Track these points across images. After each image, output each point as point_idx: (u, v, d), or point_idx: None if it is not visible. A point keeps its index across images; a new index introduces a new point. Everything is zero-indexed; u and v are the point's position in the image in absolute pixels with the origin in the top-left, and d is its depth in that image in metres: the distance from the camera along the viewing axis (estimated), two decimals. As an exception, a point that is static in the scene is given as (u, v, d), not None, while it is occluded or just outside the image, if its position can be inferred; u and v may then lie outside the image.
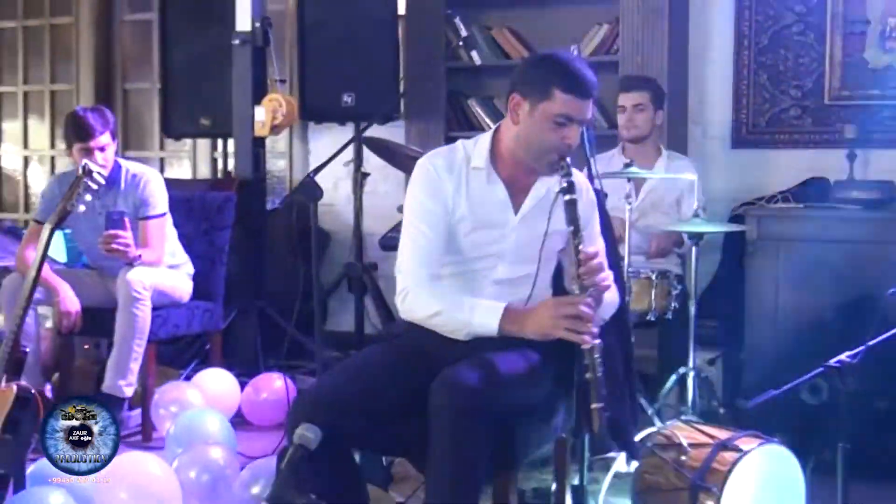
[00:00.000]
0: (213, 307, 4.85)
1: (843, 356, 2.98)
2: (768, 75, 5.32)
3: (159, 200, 4.56)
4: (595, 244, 2.87)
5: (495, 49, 5.75)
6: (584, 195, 2.87)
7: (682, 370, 4.10)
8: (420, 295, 2.77)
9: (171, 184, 4.76)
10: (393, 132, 5.44)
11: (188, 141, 6.65)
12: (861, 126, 5.02)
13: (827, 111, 5.20)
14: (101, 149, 4.41)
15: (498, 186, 2.84)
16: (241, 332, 5.15)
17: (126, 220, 4.30)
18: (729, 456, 3.12)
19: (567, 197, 2.66)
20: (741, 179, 5.38)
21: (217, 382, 4.68)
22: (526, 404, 2.73)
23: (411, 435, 2.65)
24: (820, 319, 4.44)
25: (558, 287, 3.00)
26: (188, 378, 4.80)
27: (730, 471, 3.07)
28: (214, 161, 6.67)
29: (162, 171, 6.83)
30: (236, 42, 5.02)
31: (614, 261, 3.13)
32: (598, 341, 2.60)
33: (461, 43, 5.21)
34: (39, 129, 7.31)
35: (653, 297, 4.09)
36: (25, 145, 7.39)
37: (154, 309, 4.44)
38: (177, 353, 5.11)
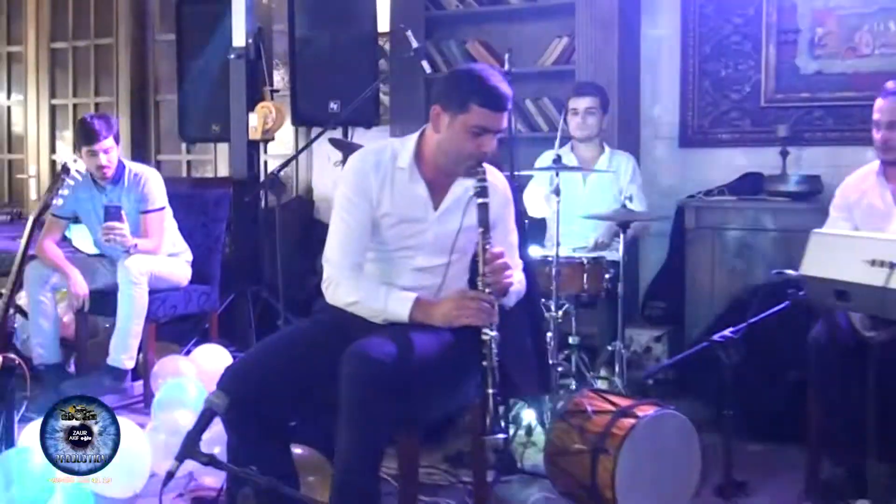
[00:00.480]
0: (209, 290, 4.84)
1: (726, 331, 2.91)
2: (711, 81, 5.20)
3: (158, 196, 4.56)
4: (510, 236, 2.87)
5: (469, 60, 5.67)
6: (499, 193, 2.85)
7: (612, 345, 4.02)
8: (341, 285, 2.74)
9: (173, 182, 4.76)
10: (378, 135, 5.42)
11: (210, 145, 6.66)
12: (793, 126, 4.92)
13: (763, 113, 5.07)
14: (105, 151, 4.42)
15: (420, 185, 2.78)
16: (237, 313, 5.14)
17: (123, 213, 4.31)
18: (626, 422, 3.04)
19: (480, 200, 2.63)
20: (688, 175, 5.27)
21: (211, 357, 4.65)
22: (433, 376, 2.67)
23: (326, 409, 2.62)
24: (750, 299, 4.35)
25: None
26: (188, 353, 4.80)
27: (626, 435, 2.99)
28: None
29: (188, 172, 6.87)
30: (232, 56, 5.01)
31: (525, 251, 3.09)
32: (494, 334, 2.57)
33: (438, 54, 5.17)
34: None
35: (585, 280, 4.00)
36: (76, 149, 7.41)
37: (155, 292, 4.44)
38: (180, 331, 5.10)
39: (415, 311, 2.68)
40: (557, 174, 3.85)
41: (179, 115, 5.98)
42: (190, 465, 3.24)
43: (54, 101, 7.38)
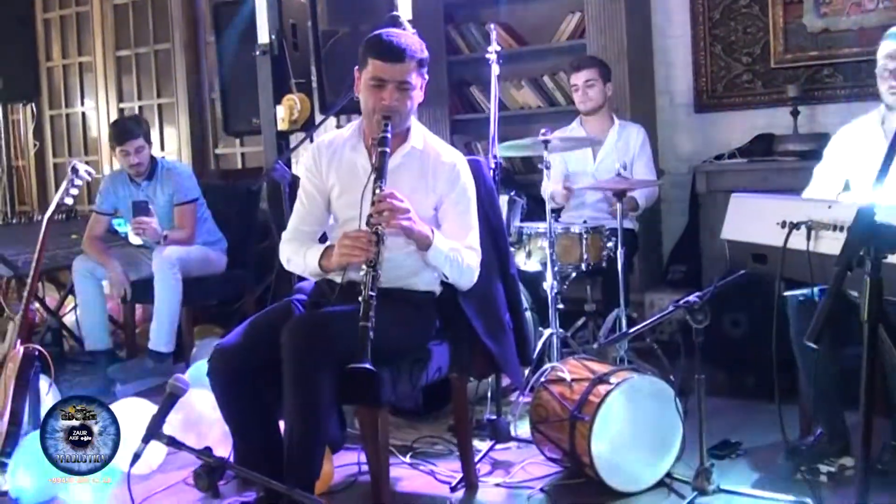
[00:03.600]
0: (246, 275, 4.87)
1: (691, 297, 2.76)
2: (722, 46, 4.97)
3: (189, 189, 4.61)
4: (462, 216, 2.79)
5: (489, 41, 5.53)
6: (445, 168, 2.79)
7: (614, 312, 3.89)
8: (282, 249, 2.85)
9: (206, 175, 4.80)
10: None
11: (261, 137, 6.68)
12: (803, 85, 4.66)
13: (773, 74, 4.82)
14: (137, 150, 4.49)
15: (361, 155, 2.77)
16: (275, 294, 5.15)
17: (151, 207, 4.35)
18: (602, 389, 2.94)
19: (380, 149, 2.59)
20: (705, 140, 5.06)
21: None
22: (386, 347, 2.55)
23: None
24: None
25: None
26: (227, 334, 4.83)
27: (601, 402, 2.88)
28: (278, 154, 6.67)
29: (243, 164, 6.92)
30: (257, 53, 4.99)
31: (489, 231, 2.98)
32: (371, 270, 2.49)
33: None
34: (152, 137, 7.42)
35: (583, 249, 3.87)
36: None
37: (191, 279, 4.49)
38: (220, 314, 5.15)
39: (322, 259, 2.70)
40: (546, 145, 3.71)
41: (223, 110, 6.01)
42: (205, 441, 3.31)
43: (122, 105, 7.49)
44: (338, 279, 2.74)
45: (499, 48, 4.03)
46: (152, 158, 4.61)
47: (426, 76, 2.76)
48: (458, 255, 2.71)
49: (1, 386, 3.35)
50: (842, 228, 1.93)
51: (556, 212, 4.29)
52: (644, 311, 4.66)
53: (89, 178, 3.45)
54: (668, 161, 5.08)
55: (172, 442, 2.36)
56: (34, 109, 5.87)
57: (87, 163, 7.57)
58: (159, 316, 4.40)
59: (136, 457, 2.37)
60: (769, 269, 2.18)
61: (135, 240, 5.26)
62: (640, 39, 5.04)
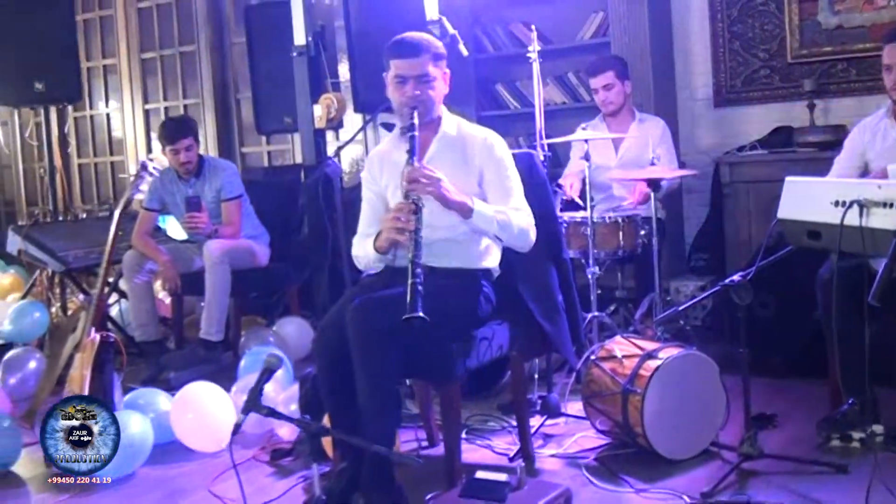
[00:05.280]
0: (288, 267, 5.09)
1: (735, 276, 2.98)
2: (740, 42, 5.20)
3: (235, 186, 4.82)
4: (505, 181, 2.99)
5: (514, 40, 5.79)
6: (477, 143, 3.02)
7: (648, 296, 4.12)
8: (353, 251, 3.10)
9: (251, 171, 4.99)
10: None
11: (287, 136, 6.89)
12: (818, 79, 4.90)
13: (790, 69, 5.06)
14: (186, 149, 4.70)
15: (402, 151, 2.95)
16: (315, 286, 5.35)
17: (202, 203, 4.57)
18: (652, 364, 3.16)
19: (409, 133, 2.85)
20: (725, 133, 5.29)
21: (292, 328, 4.90)
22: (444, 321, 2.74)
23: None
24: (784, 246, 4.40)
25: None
26: (271, 324, 5.05)
27: (652, 375, 3.11)
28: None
29: (269, 161, 7.13)
30: (294, 54, 5.19)
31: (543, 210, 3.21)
32: (413, 235, 2.70)
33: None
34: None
35: (620, 238, 4.10)
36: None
37: (237, 271, 4.69)
38: (264, 305, 5.36)
39: (375, 241, 2.94)
40: (587, 142, 3.93)
41: (255, 110, 6.20)
42: (270, 422, 3.52)
43: (147, 106, 7.70)
44: (397, 264, 2.97)
45: (539, 47, 4.21)
46: (199, 156, 4.82)
47: (446, 69, 3.02)
48: (505, 216, 2.90)
49: (76, 371, 3.55)
50: (891, 205, 2.17)
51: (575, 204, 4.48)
52: (670, 297, 4.88)
53: (157, 175, 3.65)
54: (690, 153, 5.30)
55: (272, 412, 2.57)
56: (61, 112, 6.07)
57: (111, 164, 7.89)
58: (209, 306, 4.61)
59: (238, 427, 2.57)
60: (824, 244, 2.41)
61: (175, 234, 5.48)
62: (662, 37, 5.26)
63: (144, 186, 3.59)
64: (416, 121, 2.85)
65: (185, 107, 7.53)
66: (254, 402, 2.55)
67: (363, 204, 3.14)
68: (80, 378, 3.50)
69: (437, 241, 2.91)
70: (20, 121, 7.11)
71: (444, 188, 2.79)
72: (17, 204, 8.22)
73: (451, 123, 3.07)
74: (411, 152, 2.82)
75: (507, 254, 3.10)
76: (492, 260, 3.06)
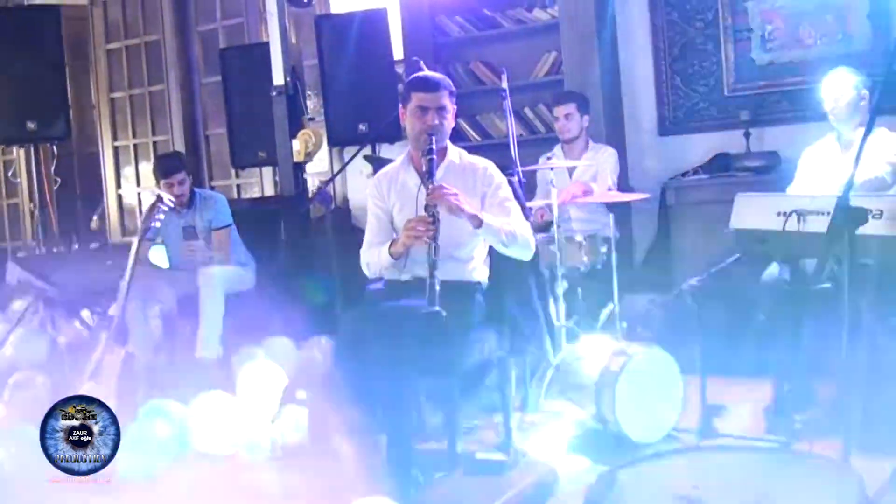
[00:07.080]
0: (272, 291, 5.45)
1: (692, 280, 3.50)
2: (681, 78, 5.77)
3: (224, 215, 5.20)
4: (505, 202, 3.45)
5: (473, 78, 6.31)
6: (478, 171, 3.50)
7: (608, 306, 4.61)
8: (362, 259, 3.53)
9: (236, 203, 5.38)
10: (401, 149, 6.00)
11: (256, 169, 7.29)
12: (753, 111, 5.49)
13: (727, 101, 5.63)
14: (180, 182, 5.07)
15: (411, 174, 3.48)
16: (298, 307, 5.74)
17: (198, 232, 4.96)
18: (620, 359, 3.65)
19: (427, 157, 3.30)
20: (669, 160, 5.82)
21: (277, 346, 5.26)
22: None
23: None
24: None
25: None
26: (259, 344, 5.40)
27: (621, 369, 3.60)
28: (276, 183, 7.28)
29: (238, 194, 7.52)
30: (274, 94, 5.63)
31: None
32: (432, 241, 3.14)
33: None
34: (147, 172, 7.95)
35: (583, 254, 4.59)
36: (138, 184, 8.10)
37: (227, 295, 5.06)
38: (252, 326, 5.71)
39: (391, 247, 3.37)
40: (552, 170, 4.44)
41: (230, 145, 6.61)
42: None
43: (116, 144, 8.05)
44: (403, 278, 3.43)
45: (497, 84, 4.70)
46: (191, 189, 5.20)
47: (455, 105, 3.48)
48: (510, 227, 3.37)
49: (101, 385, 3.90)
50: (825, 213, 2.69)
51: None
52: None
53: (172, 206, 4.03)
54: (638, 179, 5.85)
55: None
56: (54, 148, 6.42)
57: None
58: (205, 328, 4.95)
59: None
60: (768, 249, 2.94)
61: (159, 262, 5.84)
62: (610, 74, 5.80)
63: (162, 216, 3.97)
64: (433, 146, 3.31)
65: (155, 143, 7.89)
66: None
67: (370, 217, 3.56)
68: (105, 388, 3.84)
69: (439, 260, 3.35)
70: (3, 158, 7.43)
71: (462, 200, 3.25)
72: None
73: (455, 153, 3.53)
74: (430, 172, 3.27)
75: (494, 268, 3.57)
76: (482, 274, 3.53)
